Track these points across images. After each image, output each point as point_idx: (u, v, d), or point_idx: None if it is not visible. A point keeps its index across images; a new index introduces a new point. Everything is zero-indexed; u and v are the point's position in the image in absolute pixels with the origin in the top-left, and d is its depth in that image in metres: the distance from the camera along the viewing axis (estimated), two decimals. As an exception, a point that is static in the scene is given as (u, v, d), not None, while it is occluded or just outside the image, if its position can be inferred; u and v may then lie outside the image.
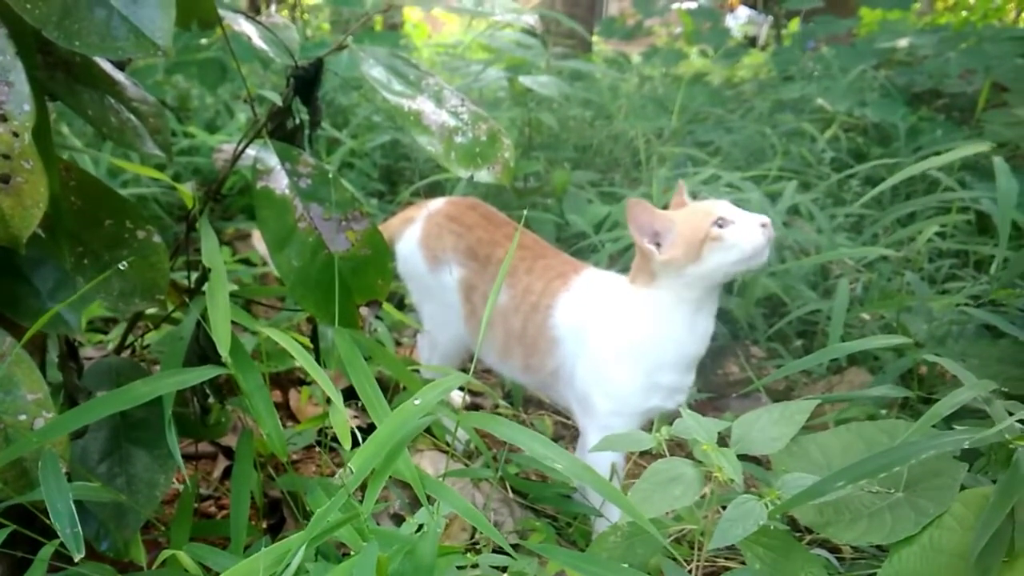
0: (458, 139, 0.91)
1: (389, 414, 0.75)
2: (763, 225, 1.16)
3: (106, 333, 1.80)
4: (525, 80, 2.25)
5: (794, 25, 5.56)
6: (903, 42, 3.98)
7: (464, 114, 0.94)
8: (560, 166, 2.72)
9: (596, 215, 2.40)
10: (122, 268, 0.77)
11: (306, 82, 0.94)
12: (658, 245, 1.22)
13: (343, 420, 0.83)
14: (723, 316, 2.07)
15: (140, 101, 0.86)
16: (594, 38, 5.42)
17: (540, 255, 1.42)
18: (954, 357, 1.46)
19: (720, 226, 1.17)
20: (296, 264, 0.89)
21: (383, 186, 2.77)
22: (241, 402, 0.91)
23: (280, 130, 0.96)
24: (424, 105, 0.91)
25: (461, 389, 1.79)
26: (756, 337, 2.13)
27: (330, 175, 0.91)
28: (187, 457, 1.43)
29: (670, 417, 1.23)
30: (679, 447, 1.48)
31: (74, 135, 2.12)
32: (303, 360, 0.79)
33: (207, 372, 0.76)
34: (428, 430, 1.48)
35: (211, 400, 1.01)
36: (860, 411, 1.55)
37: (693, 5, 5.62)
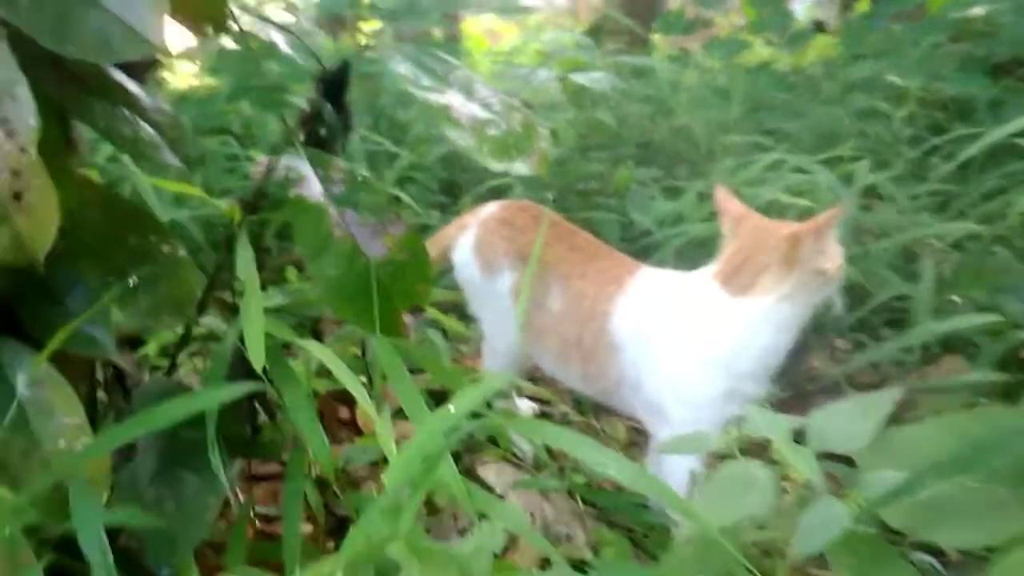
0: (490, 131, 0.87)
1: (431, 422, 0.70)
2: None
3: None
4: (577, 77, 2.19)
5: (863, 6, 5.35)
6: (977, 10, 3.75)
7: (496, 106, 0.89)
8: (622, 164, 2.66)
9: (660, 211, 2.32)
10: (133, 284, 0.75)
11: (334, 85, 0.91)
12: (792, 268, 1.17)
13: (387, 434, 0.79)
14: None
15: (157, 112, 0.85)
16: (654, 36, 5.33)
17: (593, 256, 1.36)
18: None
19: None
20: (333, 273, 0.86)
21: (445, 198, 2.75)
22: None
23: (313, 137, 0.94)
24: (453, 99, 0.87)
25: (536, 400, 1.78)
26: (840, 329, 2.01)
27: (361, 178, 0.88)
28: (252, 478, 1.42)
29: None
30: (762, 449, 1.40)
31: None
32: (340, 373, 0.75)
33: (241, 388, 0.73)
34: (494, 440, 1.44)
35: (261, 418, 0.99)
36: (958, 401, 1.43)
37: (747, -1, 5.47)
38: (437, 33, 4.56)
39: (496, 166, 0.86)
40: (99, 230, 0.77)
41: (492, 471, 1.37)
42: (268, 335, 0.86)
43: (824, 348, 1.96)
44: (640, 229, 2.30)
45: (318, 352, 0.78)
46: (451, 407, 0.66)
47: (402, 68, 0.88)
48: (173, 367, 0.99)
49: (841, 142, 2.61)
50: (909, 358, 1.82)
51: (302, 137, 0.93)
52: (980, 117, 2.72)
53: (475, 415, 1.06)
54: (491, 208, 1.51)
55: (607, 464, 0.66)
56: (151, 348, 1.39)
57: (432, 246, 1.56)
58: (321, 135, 0.93)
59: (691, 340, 1.21)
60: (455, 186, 2.87)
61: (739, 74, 3.43)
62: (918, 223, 1.91)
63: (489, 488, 1.32)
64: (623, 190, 2.45)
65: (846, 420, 0.86)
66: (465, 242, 1.49)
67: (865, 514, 0.76)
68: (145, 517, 0.77)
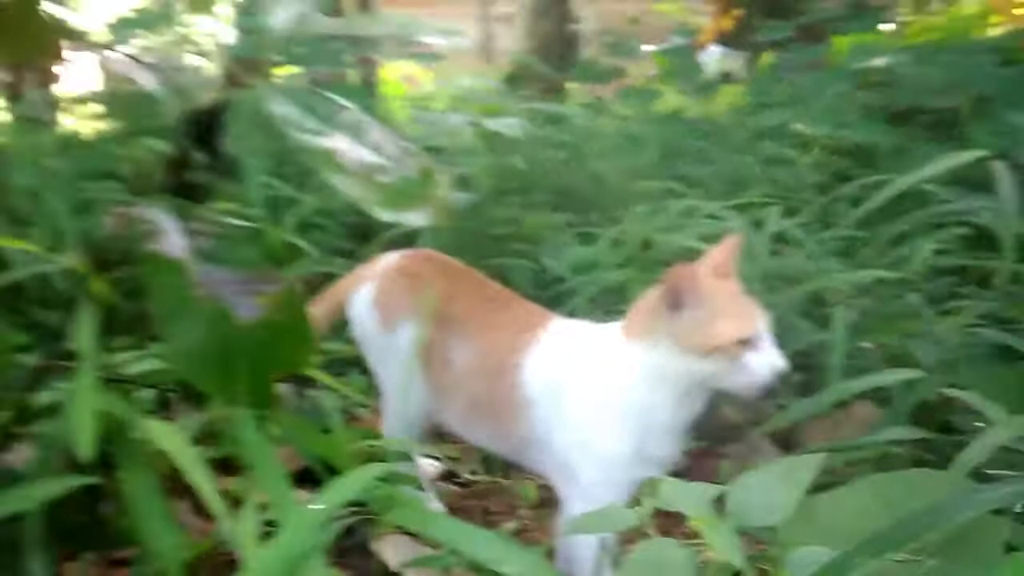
0: (380, 178, 0.79)
1: (297, 518, 0.60)
2: (777, 373, 1.05)
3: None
4: (489, 123, 2.14)
5: (768, 58, 5.54)
6: (879, 61, 3.91)
7: (388, 150, 0.81)
8: (535, 210, 2.61)
9: (574, 258, 2.27)
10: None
11: (205, 127, 0.82)
12: (675, 309, 1.08)
13: (246, 530, 0.68)
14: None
15: None
16: (569, 84, 5.39)
17: (503, 307, 1.29)
18: (967, 384, 1.33)
19: (742, 346, 1.05)
20: (192, 339, 0.75)
21: (352, 244, 2.64)
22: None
23: (180, 185, 0.83)
24: (339, 142, 0.78)
25: (436, 458, 1.68)
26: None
27: (233, 232, 0.78)
28: (115, 563, 1.27)
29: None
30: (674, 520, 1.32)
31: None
32: (182, 460, 0.65)
33: (63, 484, 0.61)
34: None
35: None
36: (872, 452, 1.41)
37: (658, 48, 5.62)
38: (353, 76, 4.49)
39: (386, 216, 0.77)
40: None
41: (389, 545, 1.26)
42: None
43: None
44: (553, 276, 2.24)
45: (158, 434, 0.67)
46: (320, 504, 0.56)
47: (281, 108, 0.79)
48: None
49: (751, 188, 2.64)
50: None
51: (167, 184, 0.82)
52: (883, 164, 2.80)
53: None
54: (391, 259, 1.42)
55: (504, 562, 0.57)
56: None
57: (326, 301, 1.46)
58: (188, 182, 0.82)
59: (598, 394, 1.14)
60: (364, 231, 2.76)
61: (652, 122, 3.46)
62: (827, 269, 1.91)
63: (385, 566, 1.21)
64: (536, 236, 2.40)
65: (766, 488, 0.79)
66: (362, 296, 1.39)
67: (790, 598, 0.69)
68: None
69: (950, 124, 3.53)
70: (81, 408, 0.64)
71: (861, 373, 1.76)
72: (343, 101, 0.83)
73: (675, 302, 1.07)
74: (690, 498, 0.77)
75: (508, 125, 2.13)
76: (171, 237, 0.76)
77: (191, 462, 0.65)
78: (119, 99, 2.16)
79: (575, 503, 1.18)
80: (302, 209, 2.30)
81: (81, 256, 0.80)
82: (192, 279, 0.77)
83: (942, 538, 0.78)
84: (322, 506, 0.57)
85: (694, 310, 1.06)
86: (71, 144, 2.33)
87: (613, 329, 1.18)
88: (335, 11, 4.26)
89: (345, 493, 0.58)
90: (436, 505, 1.45)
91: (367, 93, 4.31)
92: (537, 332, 1.23)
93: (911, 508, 0.77)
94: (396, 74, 6.76)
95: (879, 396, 1.76)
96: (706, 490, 0.80)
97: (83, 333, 0.70)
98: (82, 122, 3.70)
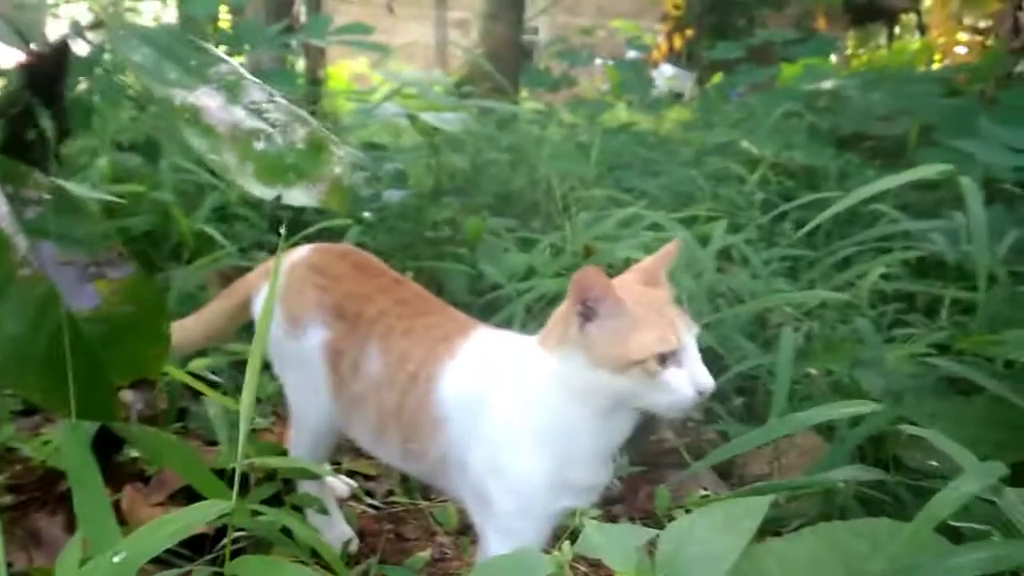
0: (259, 145, 0.65)
1: (110, 553, 0.46)
2: (701, 392, 0.91)
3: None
4: (427, 117, 2.01)
5: (717, 79, 5.56)
6: (827, 84, 3.92)
7: (272, 114, 0.67)
8: (475, 213, 2.49)
9: (513, 264, 2.15)
10: None
11: (45, 76, 0.66)
12: (587, 317, 0.94)
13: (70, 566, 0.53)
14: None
15: None
16: (520, 94, 5.31)
17: (422, 312, 1.15)
18: (919, 417, 1.24)
19: (663, 361, 0.91)
20: (14, 330, 0.60)
21: (275, 238, 2.47)
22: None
23: (15, 142, 0.68)
24: (208, 99, 0.64)
25: (350, 474, 1.53)
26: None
27: (72, 200, 0.63)
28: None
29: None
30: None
31: None
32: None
33: None
34: (288, 534, 1.17)
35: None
36: (817, 486, 1.31)
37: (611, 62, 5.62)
38: (299, 66, 4.33)
39: (262, 191, 0.63)
40: None
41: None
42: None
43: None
44: (490, 282, 2.12)
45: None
46: (116, 558, 0.42)
47: (138, 55, 0.64)
48: None
49: (696, 204, 2.57)
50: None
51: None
52: (828, 187, 2.76)
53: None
54: (301, 252, 1.26)
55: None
56: None
57: (232, 295, 1.31)
58: (24, 139, 0.67)
59: (512, 412, 1.00)
60: (296, 224, 2.60)
61: (600, 131, 3.38)
62: (772, 288, 1.83)
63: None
64: (475, 240, 2.27)
65: (705, 536, 0.67)
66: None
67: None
68: None
69: (895, 151, 3.54)
70: None
71: (805, 400, 1.68)
72: (219, 53, 0.68)
73: (586, 311, 0.95)
74: (616, 545, 0.64)
75: (447, 120, 2.00)
76: (-9, 203, 0.61)
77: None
78: None
79: (490, 536, 1.04)
80: (219, 197, 2.12)
81: None
82: (16, 254, 0.62)
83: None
84: (119, 557, 0.43)
85: (609, 319, 0.93)
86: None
87: (533, 340, 1.05)
88: (286, 7, 4.11)
89: (153, 541, 0.44)
90: (342, 530, 1.30)
91: (306, 80, 4.16)
92: (455, 341, 1.09)
93: (870, 562, 0.67)
94: (346, 73, 6.64)
95: (824, 425, 1.68)
96: (635, 534, 0.68)
97: None
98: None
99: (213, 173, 2.28)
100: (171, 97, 0.62)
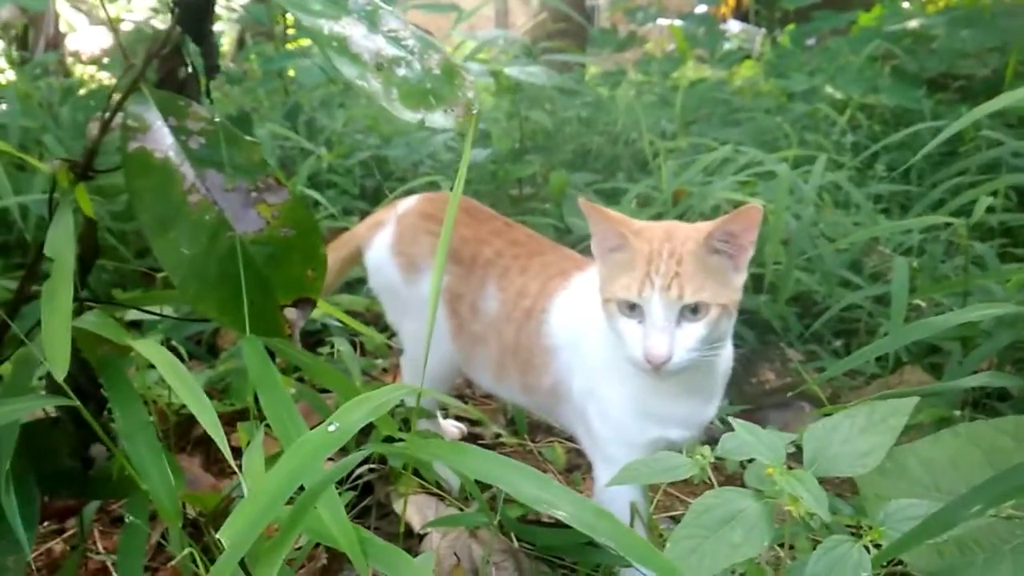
0: (400, 71, 0.67)
1: (324, 425, 0.50)
2: (648, 357, 0.87)
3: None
4: (512, 71, 2.02)
5: (790, 29, 5.37)
6: (912, 23, 3.76)
7: (409, 40, 0.70)
8: (557, 169, 2.49)
9: (598, 217, 2.16)
10: None
11: (195, 14, 0.71)
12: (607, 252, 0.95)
13: (255, 463, 0.58)
14: (751, 318, 1.82)
15: None
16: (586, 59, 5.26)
17: (536, 251, 1.17)
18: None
19: (630, 308, 0.90)
20: (188, 252, 0.65)
21: (365, 204, 2.54)
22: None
23: (169, 79, 0.72)
24: (352, 28, 0.67)
25: (458, 418, 1.57)
26: (790, 340, 1.87)
27: (231, 130, 0.67)
28: (118, 520, 1.18)
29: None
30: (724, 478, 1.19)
31: None
32: (177, 383, 0.54)
33: (37, 402, 0.51)
34: (415, 471, 1.22)
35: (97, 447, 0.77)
36: (929, 414, 1.29)
37: (679, 23, 5.47)
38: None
39: (408, 115, 0.66)
40: None
41: (413, 505, 1.16)
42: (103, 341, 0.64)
43: (775, 360, 1.82)
44: (577, 235, 2.13)
45: (153, 356, 0.57)
46: (331, 427, 0.45)
47: (285, -12, 0.67)
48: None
49: (783, 150, 2.52)
50: (866, 367, 1.69)
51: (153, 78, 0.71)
52: (921, 127, 2.66)
53: (389, 439, 0.86)
54: (411, 202, 1.30)
55: (548, 500, 0.47)
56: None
57: (340, 248, 1.35)
58: (178, 76, 0.72)
59: (606, 343, 1.01)
60: (378, 191, 2.66)
61: (673, 88, 3.33)
62: (874, 225, 1.78)
63: (408, 526, 1.11)
64: (558, 195, 2.28)
65: (848, 437, 0.68)
66: (381, 241, 1.28)
67: (885, 556, 0.58)
68: None
69: (987, 91, 3.37)
70: (54, 321, 0.54)
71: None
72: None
73: (602, 241, 0.95)
74: (763, 442, 0.66)
75: (531, 73, 2.00)
76: (158, 135, 0.66)
77: (184, 382, 0.55)
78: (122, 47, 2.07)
79: (598, 463, 1.07)
80: (315, 161, 2.18)
81: (61, 166, 0.70)
82: (185, 183, 0.66)
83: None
84: (333, 426, 0.46)
85: (615, 253, 0.94)
86: (73, 92, 2.23)
87: None
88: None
89: (359, 419, 0.48)
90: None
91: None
92: (568, 276, 1.11)
93: (1015, 455, 0.67)
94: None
95: (932, 363, 1.65)
96: (779, 437, 0.69)
97: (56, 241, 0.60)
98: (84, 80, 3.65)
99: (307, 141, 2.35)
100: (320, 27, 0.65)
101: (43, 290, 0.58)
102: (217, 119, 0.67)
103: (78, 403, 0.56)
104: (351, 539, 0.49)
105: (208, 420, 0.54)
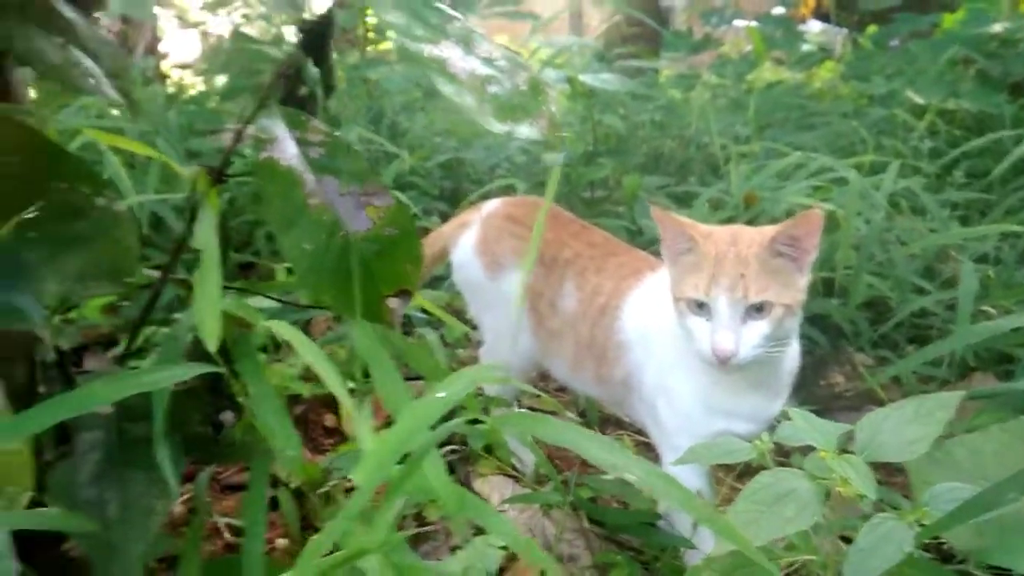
0: (492, 89, 0.76)
1: (434, 392, 0.59)
2: (716, 352, 0.94)
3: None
4: (586, 78, 2.09)
5: (872, 31, 5.28)
6: (997, 27, 3.67)
7: (499, 62, 0.78)
8: (629, 172, 2.55)
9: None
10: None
11: (316, 37, 0.81)
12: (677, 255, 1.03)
13: (366, 429, 0.67)
14: (822, 322, 1.85)
15: (96, 41, 0.74)
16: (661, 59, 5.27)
17: (612, 252, 1.26)
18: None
19: (699, 307, 0.97)
20: (308, 248, 0.75)
21: (445, 206, 2.65)
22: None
23: (290, 95, 0.83)
24: (450, 51, 0.76)
25: (532, 410, 1.66)
26: (861, 344, 1.89)
27: (344, 142, 0.77)
28: (226, 488, 1.30)
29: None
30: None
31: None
32: (313, 359, 0.64)
33: (190, 370, 0.61)
34: (491, 452, 1.32)
35: (227, 418, 0.88)
36: (993, 418, 1.31)
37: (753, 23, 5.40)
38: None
39: (498, 127, 0.75)
40: (10, 174, 0.65)
41: (488, 485, 1.25)
42: (233, 320, 0.75)
43: (844, 363, 1.84)
44: (648, 237, 2.19)
45: (288, 335, 0.67)
46: (440, 393, 0.54)
47: (392, 17, 0.77)
48: (129, 354, 0.88)
49: (858, 156, 2.52)
50: (937, 373, 1.70)
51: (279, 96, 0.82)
52: (1003, 134, 2.61)
53: (474, 421, 0.95)
54: (495, 204, 1.40)
55: (621, 464, 0.54)
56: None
57: (428, 246, 1.45)
58: (299, 94, 0.82)
59: (675, 340, 1.08)
60: (456, 193, 2.77)
61: (751, 89, 3.34)
62: (948, 232, 1.79)
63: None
64: (631, 198, 2.34)
65: (897, 427, 0.74)
66: (467, 240, 1.38)
67: (928, 534, 0.64)
68: (74, 519, 0.65)
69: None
70: (206, 301, 0.65)
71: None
72: (450, 11, 0.81)
73: (672, 244, 1.03)
74: (819, 429, 0.72)
75: (605, 80, 2.07)
76: (285, 146, 0.76)
77: (317, 356, 0.65)
78: (223, 56, 2.22)
79: (665, 453, 1.14)
80: (399, 164, 2.30)
81: (201, 171, 0.81)
82: (307, 188, 0.76)
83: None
84: (441, 394, 0.55)
85: (684, 256, 1.01)
86: (176, 99, 2.39)
87: None
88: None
89: (462, 388, 0.56)
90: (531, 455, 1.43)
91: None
92: (641, 276, 1.19)
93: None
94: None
95: (1003, 370, 1.65)
96: (833, 426, 0.75)
97: (202, 234, 0.71)
98: (184, 86, 3.86)
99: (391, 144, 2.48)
100: (421, 51, 0.74)
101: (195, 277, 0.69)
102: (336, 133, 0.77)
103: (225, 370, 0.67)
104: (454, 494, 0.58)
105: (336, 383, 0.63)
